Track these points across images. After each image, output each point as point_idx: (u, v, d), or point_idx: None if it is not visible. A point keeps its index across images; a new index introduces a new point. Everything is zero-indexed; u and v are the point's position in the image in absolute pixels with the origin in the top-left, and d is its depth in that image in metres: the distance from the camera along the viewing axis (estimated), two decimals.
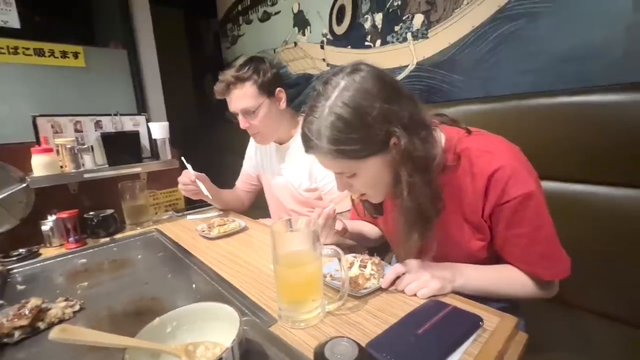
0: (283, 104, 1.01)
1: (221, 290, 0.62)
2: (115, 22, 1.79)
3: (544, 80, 0.95)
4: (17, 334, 0.50)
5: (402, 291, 0.55)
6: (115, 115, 1.16)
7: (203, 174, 1.06)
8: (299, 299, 0.49)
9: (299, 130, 1.05)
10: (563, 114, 0.82)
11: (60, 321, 0.55)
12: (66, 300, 0.58)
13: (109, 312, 0.57)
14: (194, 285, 0.66)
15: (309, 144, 0.55)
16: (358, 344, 0.40)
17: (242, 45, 2.21)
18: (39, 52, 1.42)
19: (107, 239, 0.94)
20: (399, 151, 0.51)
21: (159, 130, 1.12)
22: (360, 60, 0.55)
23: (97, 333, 0.33)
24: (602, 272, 0.79)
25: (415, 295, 0.54)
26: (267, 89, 0.96)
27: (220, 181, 1.18)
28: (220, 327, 0.41)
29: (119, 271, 0.75)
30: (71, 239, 0.89)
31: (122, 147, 1.09)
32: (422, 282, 0.54)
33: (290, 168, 1.07)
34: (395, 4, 1.28)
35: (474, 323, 0.44)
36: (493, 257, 0.61)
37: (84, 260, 0.82)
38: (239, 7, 2.15)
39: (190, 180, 1.02)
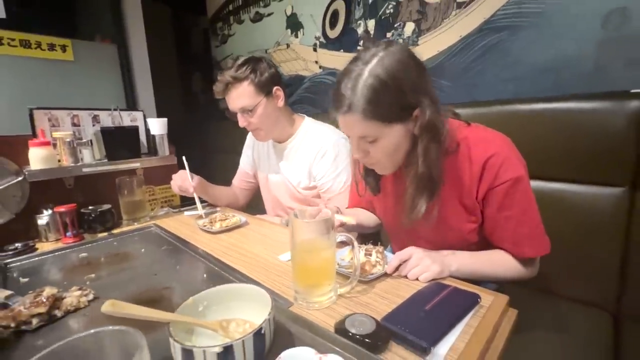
0: (281, 102, 1.03)
1: (234, 279, 0.64)
2: (104, 15, 1.76)
3: (524, 88, 1.04)
4: (35, 322, 0.51)
5: (405, 276, 0.61)
6: (115, 110, 1.15)
7: (199, 178, 1.08)
8: (314, 283, 0.53)
9: (298, 129, 1.09)
10: (541, 119, 0.90)
11: (77, 309, 0.56)
12: (80, 289, 0.59)
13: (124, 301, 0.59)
14: (205, 275, 0.68)
15: (342, 103, 0.59)
16: (374, 319, 0.44)
17: (233, 45, 2.22)
18: (25, 44, 1.38)
19: (105, 234, 0.94)
20: (424, 121, 0.58)
21: (158, 126, 1.13)
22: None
23: (142, 308, 0.36)
24: (576, 262, 0.87)
25: (417, 279, 0.59)
26: (264, 88, 0.98)
27: (208, 180, 1.19)
28: (247, 306, 0.44)
29: (124, 264, 0.76)
30: (69, 234, 0.88)
31: (121, 142, 1.08)
32: (424, 266, 0.59)
33: (289, 166, 1.10)
34: (388, 11, 1.35)
35: (473, 300, 0.50)
36: (483, 241, 0.68)
37: (84, 254, 0.81)
38: (230, 7, 2.15)
39: (189, 190, 1.04)
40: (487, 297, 0.53)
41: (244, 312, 0.44)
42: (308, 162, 1.04)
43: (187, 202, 1.21)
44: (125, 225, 1.02)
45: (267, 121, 1.02)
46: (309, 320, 0.47)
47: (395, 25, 1.33)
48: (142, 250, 0.83)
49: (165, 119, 1.13)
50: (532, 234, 0.63)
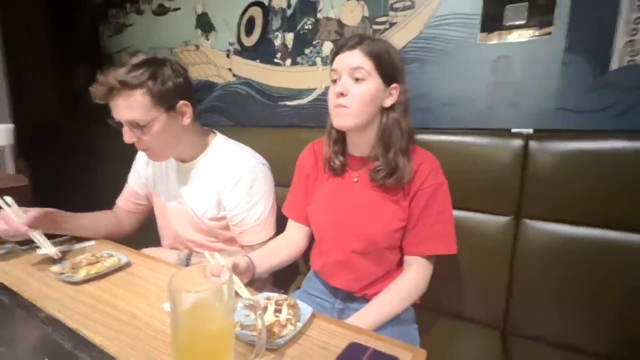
0: (187, 120, 0.83)
1: None
2: None
3: (430, 118, 1.11)
4: None
5: (319, 332, 0.53)
6: None
7: (38, 210, 0.78)
8: None
9: (207, 148, 0.90)
10: (444, 148, 0.93)
11: None
12: None
13: None
14: None
15: (351, 40, 0.70)
16: None
17: (130, 37, 1.90)
18: None
19: None
20: (400, 97, 0.72)
21: None
22: None
23: None
24: (469, 284, 0.94)
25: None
26: (165, 101, 0.78)
27: (97, 198, 0.93)
28: None
29: None
30: None
31: None
32: None
33: (193, 192, 0.91)
34: (307, 27, 1.30)
35: None
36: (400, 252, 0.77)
37: None
38: None
39: (19, 231, 0.75)
40: (406, 355, 0.48)
41: None
42: (218, 188, 0.87)
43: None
44: None
45: (163, 141, 0.81)
46: None
47: (314, 43, 1.30)
48: None
49: (9, 126, 0.83)
50: (445, 233, 0.73)
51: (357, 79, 0.69)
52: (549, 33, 0.91)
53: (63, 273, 0.69)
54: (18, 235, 0.76)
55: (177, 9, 1.66)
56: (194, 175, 0.90)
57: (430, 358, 0.77)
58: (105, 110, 0.81)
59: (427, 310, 0.91)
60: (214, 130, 0.97)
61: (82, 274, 0.69)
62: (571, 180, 0.81)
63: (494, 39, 0.98)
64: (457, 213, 0.92)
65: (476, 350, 0.88)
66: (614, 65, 0.86)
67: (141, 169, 1.01)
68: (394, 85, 0.71)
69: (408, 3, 1.09)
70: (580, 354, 0.81)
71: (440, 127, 1.07)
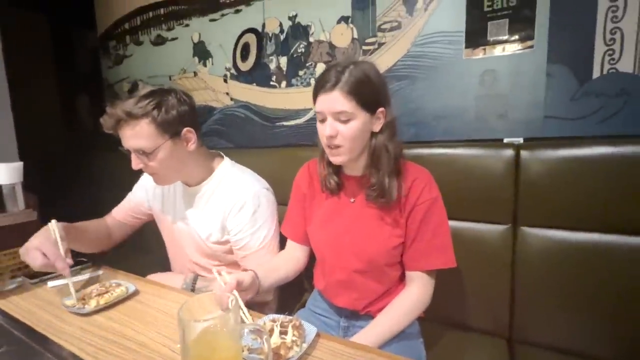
0: (192, 146, 0.86)
1: None
2: None
3: (423, 132, 1.14)
4: None
5: (324, 351, 0.54)
6: None
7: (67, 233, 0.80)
8: None
9: (213, 175, 0.93)
10: (438, 161, 0.96)
11: None
12: None
13: None
14: None
15: (329, 82, 0.68)
16: None
17: (130, 67, 1.96)
18: None
19: None
20: (387, 118, 0.72)
21: (6, 174, 0.85)
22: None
23: None
24: (472, 294, 0.95)
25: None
26: (170, 128, 0.81)
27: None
28: None
29: None
30: None
31: None
32: None
33: (198, 216, 0.93)
34: (300, 50, 1.36)
35: None
36: (400, 267, 0.77)
37: None
38: (126, 26, 1.91)
39: (59, 267, 0.73)
40: None
41: None
42: (222, 213, 0.89)
43: None
44: None
45: (169, 167, 0.84)
46: None
47: (307, 65, 1.35)
48: None
49: (19, 164, 0.86)
50: (443, 246, 0.74)
51: (343, 120, 0.69)
52: (531, 46, 0.95)
53: (74, 306, 0.71)
54: (51, 268, 0.75)
55: (174, 39, 1.73)
56: (199, 200, 0.93)
57: None
58: (109, 139, 0.84)
59: (431, 323, 0.91)
60: (222, 153, 0.99)
61: (92, 304, 0.71)
62: (564, 186, 0.83)
63: (479, 54, 1.02)
64: (455, 224, 0.95)
65: (485, 359, 0.88)
66: (596, 73, 0.90)
67: (149, 186, 1.02)
68: (380, 109, 0.71)
69: (395, 24, 1.14)
70: (584, 359, 0.82)
71: (434, 140, 1.10)
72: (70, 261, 0.76)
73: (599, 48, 0.89)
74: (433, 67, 1.09)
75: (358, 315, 0.81)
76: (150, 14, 1.79)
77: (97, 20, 2.05)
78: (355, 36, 1.22)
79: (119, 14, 1.92)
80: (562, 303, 0.84)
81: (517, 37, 0.96)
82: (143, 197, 1.04)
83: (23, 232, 0.82)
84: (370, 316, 0.79)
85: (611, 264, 0.79)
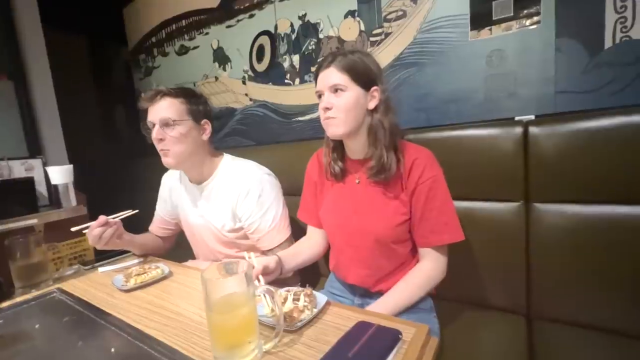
0: (206, 136, 0.99)
1: (147, 350, 0.57)
2: None
3: (434, 117, 1.16)
4: None
5: (333, 316, 0.60)
6: (2, 160, 0.98)
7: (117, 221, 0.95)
8: (235, 344, 0.49)
9: (217, 169, 1.03)
10: (448, 144, 0.98)
11: None
12: None
13: None
14: (112, 350, 0.59)
15: (326, 61, 0.77)
16: None
17: (158, 77, 2.13)
18: None
19: None
20: (381, 97, 0.77)
21: (60, 175, 0.99)
22: None
23: None
24: (487, 272, 0.96)
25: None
26: (194, 115, 0.96)
27: (136, 222, 1.08)
28: None
29: (9, 349, 0.63)
30: None
31: (11, 197, 0.92)
32: None
33: (210, 209, 1.02)
34: (310, 47, 1.41)
35: (395, 337, 0.51)
36: (407, 245, 0.81)
37: None
38: (153, 39, 2.07)
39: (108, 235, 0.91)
40: (409, 329, 0.54)
41: None
42: (231, 203, 0.98)
43: (102, 255, 1.07)
44: (19, 294, 0.86)
45: (183, 144, 0.94)
46: None
47: (319, 60, 1.40)
48: (37, 326, 0.70)
49: (70, 166, 1.00)
50: (450, 223, 0.76)
51: (337, 91, 0.75)
52: (538, 22, 0.94)
53: (121, 284, 0.82)
54: (101, 242, 0.92)
55: (196, 47, 1.86)
56: (208, 194, 1.03)
57: (457, 348, 0.81)
58: (142, 146, 0.96)
59: (449, 302, 0.94)
60: (223, 152, 1.09)
61: (131, 283, 0.82)
62: (574, 160, 0.82)
63: (485, 35, 1.02)
64: (468, 204, 0.96)
65: (502, 336, 0.89)
66: (608, 43, 0.88)
67: (166, 197, 1.16)
68: (374, 87, 0.76)
69: (400, 13, 1.16)
70: (604, 333, 0.81)
71: (445, 124, 1.12)
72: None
73: (610, 17, 0.87)
74: (440, 52, 1.10)
75: (371, 294, 0.86)
76: (174, 26, 1.93)
77: (128, 36, 2.24)
78: (363, 29, 1.26)
79: (146, 29, 2.09)
80: (579, 277, 0.84)
81: (522, 13, 0.96)
82: (164, 210, 1.17)
83: (76, 225, 0.96)
84: (382, 294, 0.83)
85: (627, 235, 0.77)
